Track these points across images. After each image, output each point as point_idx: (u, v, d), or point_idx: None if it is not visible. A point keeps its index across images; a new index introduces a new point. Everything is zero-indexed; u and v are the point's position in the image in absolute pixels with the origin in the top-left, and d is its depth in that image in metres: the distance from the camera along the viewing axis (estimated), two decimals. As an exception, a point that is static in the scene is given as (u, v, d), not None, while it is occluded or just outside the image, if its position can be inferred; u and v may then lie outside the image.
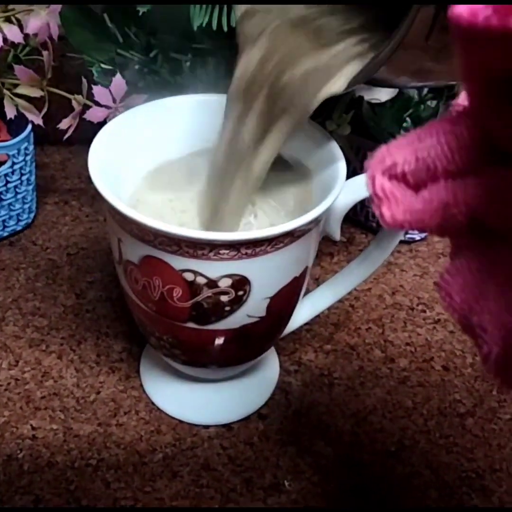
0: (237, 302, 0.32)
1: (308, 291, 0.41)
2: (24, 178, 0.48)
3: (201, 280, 0.31)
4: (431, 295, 0.50)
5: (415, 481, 0.38)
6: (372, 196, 0.18)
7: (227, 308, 0.32)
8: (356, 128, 0.50)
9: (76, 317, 0.46)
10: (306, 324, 0.46)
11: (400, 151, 0.17)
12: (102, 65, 0.47)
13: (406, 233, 0.53)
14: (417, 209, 0.17)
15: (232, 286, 0.31)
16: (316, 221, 0.31)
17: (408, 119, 0.52)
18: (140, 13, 0.45)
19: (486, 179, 0.17)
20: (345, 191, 0.33)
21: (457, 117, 0.17)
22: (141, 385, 0.42)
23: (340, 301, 0.48)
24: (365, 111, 0.48)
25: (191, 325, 0.33)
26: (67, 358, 0.43)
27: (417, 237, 0.53)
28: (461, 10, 0.14)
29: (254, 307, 0.33)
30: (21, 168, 0.48)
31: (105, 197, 0.30)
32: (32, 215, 0.51)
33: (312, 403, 0.42)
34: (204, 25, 0.43)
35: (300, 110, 0.29)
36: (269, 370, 0.43)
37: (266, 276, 0.31)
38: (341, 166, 0.33)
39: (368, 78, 0.29)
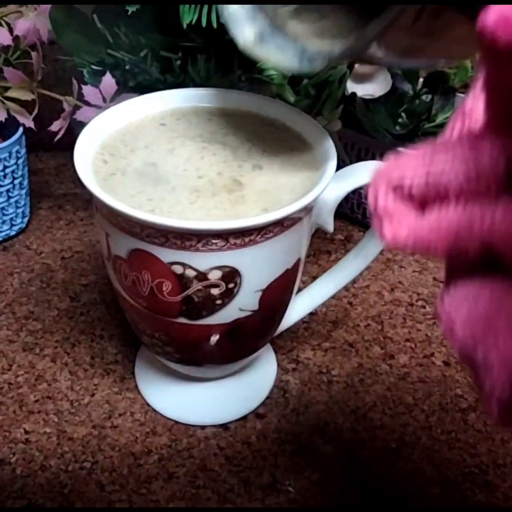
0: (228, 295, 0.31)
1: (304, 287, 0.40)
2: (16, 182, 0.48)
3: (190, 273, 0.30)
4: (431, 290, 0.49)
5: (417, 478, 0.37)
6: (373, 212, 0.16)
7: (218, 302, 0.31)
8: (350, 123, 0.49)
9: (70, 320, 0.45)
10: (304, 322, 0.45)
11: (410, 163, 0.16)
12: (93, 66, 0.47)
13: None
14: (422, 232, 0.16)
15: (223, 278, 0.30)
16: (306, 210, 0.31)
17: (403, 114, 0.51)
18: (129, 13, 0.45)
19: (509, 210, 0.15)
20: (336, 181, 0.33)
21: (481, 134, 0.15)
22: (136, 387, 0.41)
23: (338, 298, 0.47)
24: (358, 107, 0.48)
25: (182, 320, 0.32)
26: (61, 361, 0.42)
27: (415, 233, 0.53)
28: (495, 26, 0.12)
29: (246, 300, 0.32)
30: (13, 171, 0.47)
31: (89, 188, 0.29)
32: (25, 220, 0.51)
33: (311, 401, 0.41)
34: (193, 22, 0.43)
35: None
36: (266, 368, 0.42)
37: (257, 267, 0.31)
38: (331, 156, 0.33)
39: (354, 55, 0.28)
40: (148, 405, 0.40)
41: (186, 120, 0.37)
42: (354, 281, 0.49)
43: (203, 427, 0.39)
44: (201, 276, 0.30)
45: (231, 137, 0.36)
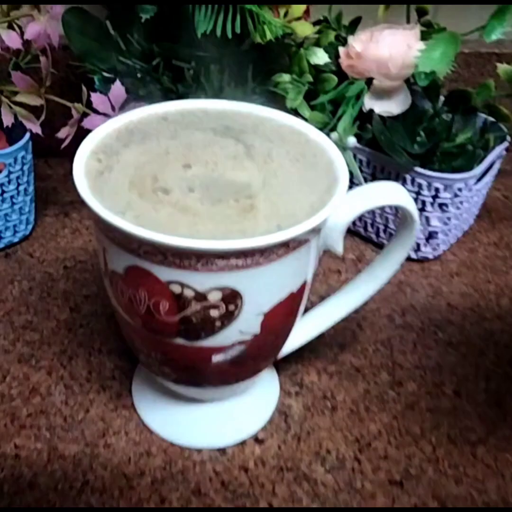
0: (228, 318, 0.30)
1: (311, 308, 0.39)
2: (21, 188, 0.47)
3: (188, 293, 0.29)
4: (444, 316, 0.47)
5: (421, 515, 0.35)
6: None
7: (218, 324, 0.30)
8: (366, 141, 0.48)
9: (69, 332, 0.44)
10: (309, 343, 0.44)
11: None
12: (104, 74, 0.46)
13: (418, 250, 0.50)
14: None
15: (223, 300, 0.29)
16: (313, 233, 0.29)
17: (421, 132, 0.50)
18: (143, 20, 0.44)
19: None
20: (348, 202, 0.31)
21: None
22: (133, 405, 0.39)
23: (346, 320, 0.46)
24: (375, 124, 0.46)
25: (180, 341, 0.31)
26: (57, 375, 0.41)
27: (430, 256, 0.51)
28: None
29: (247, 323, 0.31)
30: (18, 177, 0.46)
31: (86, 201, 0.28)
32: (30, 226, 0.50)
33: (313, 427, 0.39)
34: (208, 32, 0.42)
35: None
36: (268, 391, 0.40)
37: (259, 290, 0.29)
38: (343, 176, 0.31)
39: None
40: (144, 424, 0.39)
41: (193, 115, 0.35)
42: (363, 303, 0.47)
43: (199, 450, 0.37)
44: (200, 296, 0.29)
45: (247, 135, 0.33)
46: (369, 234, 0.52)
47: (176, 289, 0.29)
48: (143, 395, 0.39)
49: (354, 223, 0.52)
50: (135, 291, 0.30)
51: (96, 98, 0.41)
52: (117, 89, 0.41)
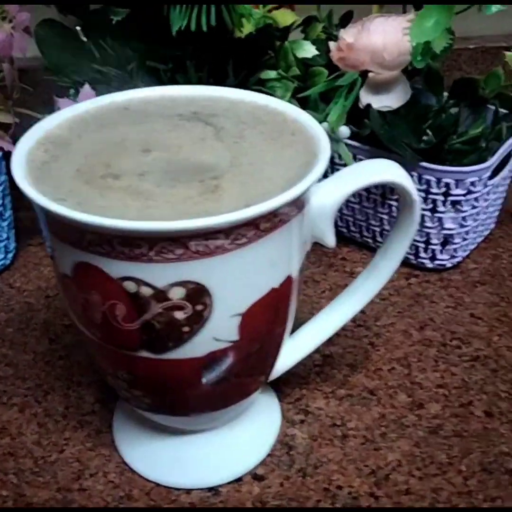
0: (198, 321, 0.25)
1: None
2: (-5, 212, 0.44)
3: (146, 291, 0.24)
4: (468, 328, 0.42)
5: (452, 557, 0.29)
6: None
7: (186, 329, 0.25)
8: (364, 138, 0.44)
9: (46, 365, 0.39)
10: (315, 365, 0.39)
11: None
12: (78, 86, 0.43)
13: (434, 258, 0.45)
14: None
15: (188, 298, 0.24)
16: (289, 212, 0.25)
17: (428, 131, 0.45)
18: (114, 22, 0.41)
19: None
20: (335, 181, 0.27)
21: None
22: (113, 442, 0.35)
23: (357, 338, 0.41)
24: (373, 118, 0.42)
25: (145, 354, 0.26)
26: (30, 412, 0.36)
27: (448, 264, 0.46)
28: None
29: (222, 327, 0.26)
30: (-9, 200, 0.43)
31: (21, 188, 0.24)
32: (10, 256, 0.46)
33: (321, 460, 0.34)
34: (183, 28, 0.39)
35: None
36: (267, 420, 0.35)
37: (231, 284, 0.25)
38: (324, 151, 0.27)
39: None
40: (125, 463, 0.33)
41: (158, 103, 0.31)
42: (376, 318, 0.42)
43: (188, 491, 0.32)
44: (160, 295, 0.24)
45: (217, 118, 0.30)
46: (378, 244, 0.47)
47: (131, 287, 0.24)
48: (125, 431, 0.35)
49: (361, 233, 0.47)
50: (87, 295, 0.25)
51: (64, 103, 0.38)
52: (86, 92, 0.38)
